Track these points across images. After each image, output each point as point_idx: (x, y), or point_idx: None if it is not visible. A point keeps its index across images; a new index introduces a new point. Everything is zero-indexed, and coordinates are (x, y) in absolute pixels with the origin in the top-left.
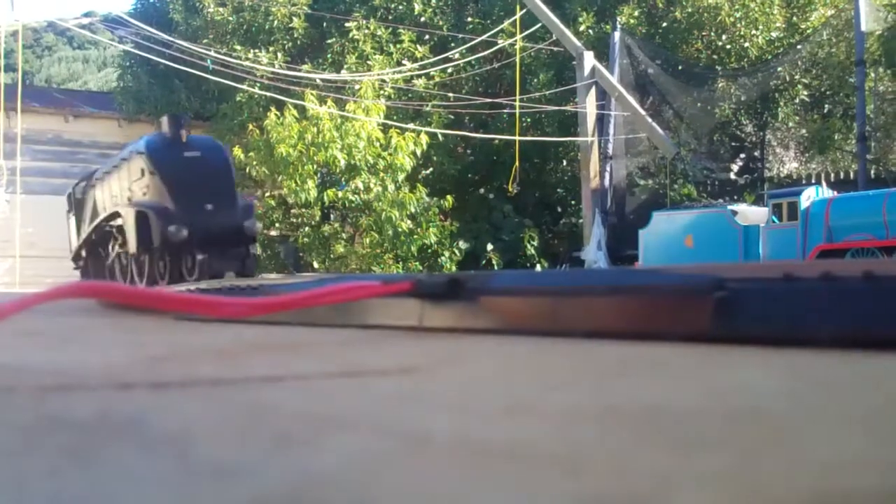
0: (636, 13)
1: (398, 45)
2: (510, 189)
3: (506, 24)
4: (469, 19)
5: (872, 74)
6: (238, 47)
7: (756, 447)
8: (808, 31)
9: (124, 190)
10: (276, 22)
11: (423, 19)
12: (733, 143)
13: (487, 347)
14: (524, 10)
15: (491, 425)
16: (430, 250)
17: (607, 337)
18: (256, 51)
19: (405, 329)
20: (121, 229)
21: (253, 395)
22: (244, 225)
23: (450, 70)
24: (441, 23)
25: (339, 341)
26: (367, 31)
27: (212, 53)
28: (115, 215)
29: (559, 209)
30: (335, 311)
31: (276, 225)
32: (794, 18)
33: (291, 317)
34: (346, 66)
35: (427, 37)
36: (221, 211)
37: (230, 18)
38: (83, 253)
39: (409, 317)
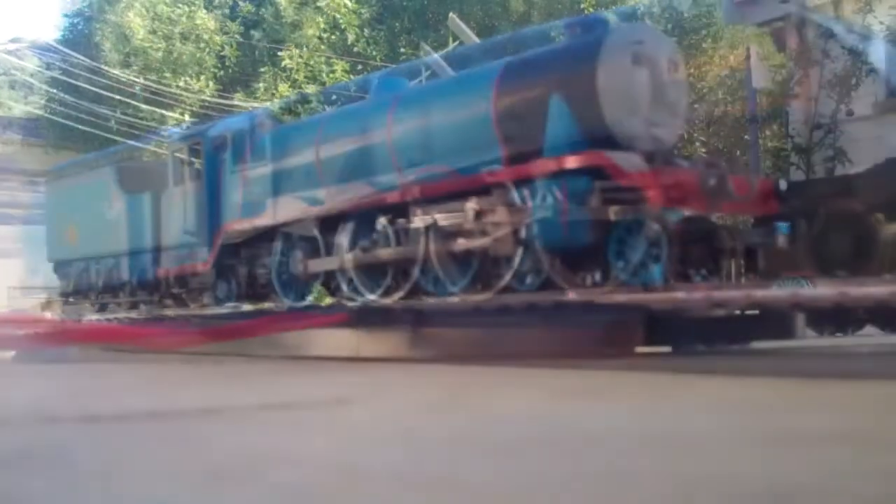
0: None
1: (331, 75)
2: None
3: (438, 55)
4: (402, 50)
5: (768, 132)
6: (168, 75)
7: (686, 472)
8: (705, 91)
9: None
10: (207, 50)
11: (356, 49)
12: None
13: (422, 376)
14: (457, 42)
15: (427, 457)
16: None
17: (542, 364)
18: (187, 78)
19: (341, 359)
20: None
21: (186, 429)
22: None
23: None
24: (374, 53)
25: (275, 372)
26: (300, 60)
27: (141, 81)
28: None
29: None
30: (273, 342)
31: None
32: (691, 78)
33: (229, 348)
34: (278, 95)
35: (360, 67)
36: None
37: (160, 46)
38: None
39: (345, 347)
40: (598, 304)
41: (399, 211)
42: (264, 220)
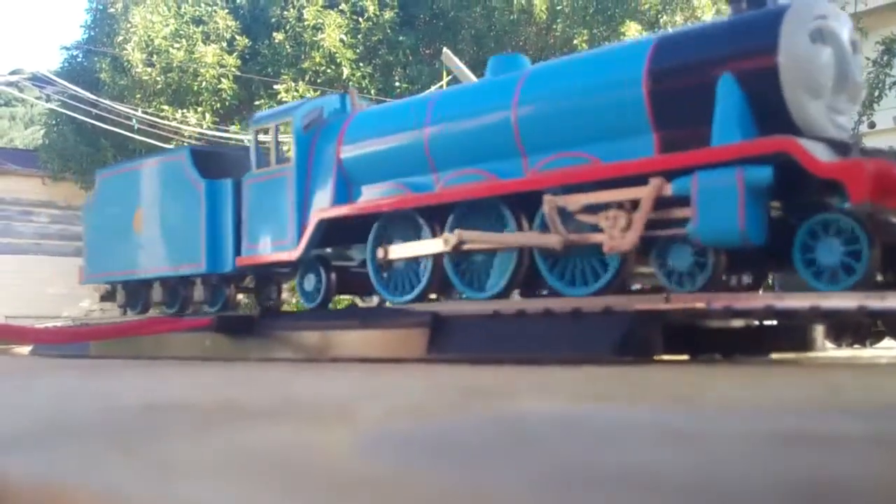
0: None
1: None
2: None
3: (433, 88)
4: (396, 83)
5: None
6: (165, 107)
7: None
8: None
9: None
10: (204, 83)
11: (351, 83)
12: None
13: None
14: (450, 76)
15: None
16: None
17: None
18: (184, 111)
19: (205, 359)
20: None
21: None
22: None
23: None
24: (369, 86)
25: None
26: (295, 93)
27: (139, 113)
28: None
29: None
30: (155, 345)
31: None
32: None
33: (119, 350)
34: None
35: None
36: None
37: (158, 79)
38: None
39: (210, 349)
40: (617, 311)
41: (522, 201)
42: (361, 207)
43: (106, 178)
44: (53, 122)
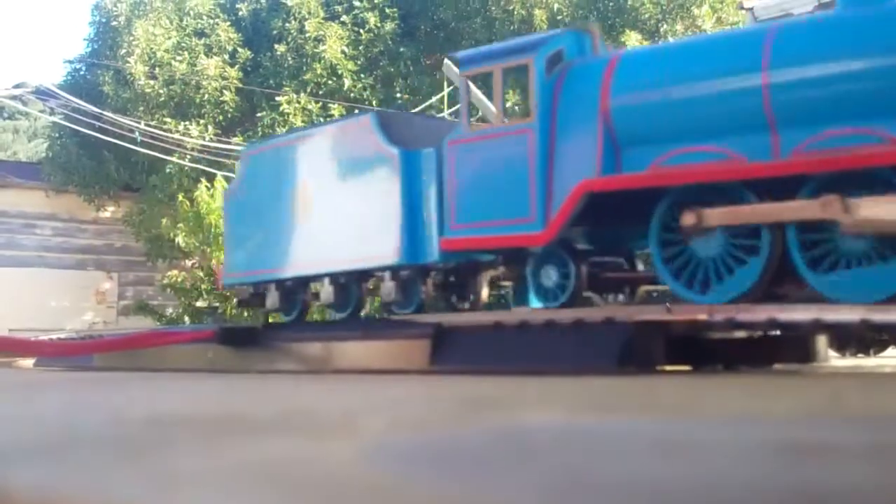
0: None
1: (328, 120)
2: None
3: (434, 99)
4: (398, 95)
5: None
6: (168, 119)
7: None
8: None
9: None
10: (206, 95)
11: (352, 95)
12: None
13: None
14: (451, 87)
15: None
16: None
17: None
18: (187, 123)
19: (207, 371)
20: None
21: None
22: None
23: None
24: (371, 97)
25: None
26: (297, 104)
27: (141, 125)
28: None
29: None
30: (158, 356)
31: (204, 296)
32: None
33: (123, 362)
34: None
35: (357, 111)
36: None
37: (161, 91)
38: None
39: (212, 360)
40: (619, 322)
41: None
42: (675, 175)
43: (255, 157)
44: (56, 135)
